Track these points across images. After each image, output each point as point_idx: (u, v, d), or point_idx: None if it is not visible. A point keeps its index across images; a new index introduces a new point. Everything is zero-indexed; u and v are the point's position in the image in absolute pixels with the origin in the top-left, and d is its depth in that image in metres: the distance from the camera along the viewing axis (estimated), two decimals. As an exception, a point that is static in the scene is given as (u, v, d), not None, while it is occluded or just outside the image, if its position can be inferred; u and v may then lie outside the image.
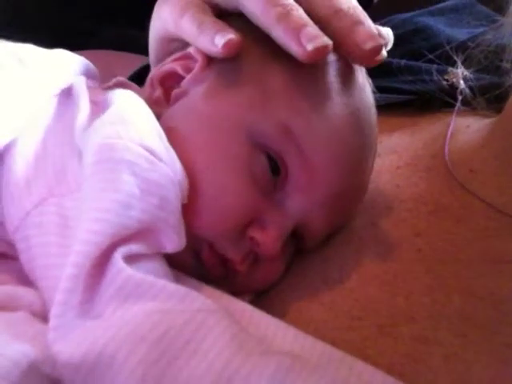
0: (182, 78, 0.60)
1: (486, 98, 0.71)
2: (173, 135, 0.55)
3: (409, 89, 0.74)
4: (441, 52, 0.74)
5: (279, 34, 0.55)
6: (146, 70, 0.71)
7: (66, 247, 0.48)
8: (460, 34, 0.79)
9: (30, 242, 0.50)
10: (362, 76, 0.61)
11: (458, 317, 0.54)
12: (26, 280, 0.51)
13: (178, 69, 0.61)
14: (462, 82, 0.71)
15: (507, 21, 0.64)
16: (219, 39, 0.56)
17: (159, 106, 0.60)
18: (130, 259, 0.48)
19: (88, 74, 0.63)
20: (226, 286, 0.55)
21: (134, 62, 0.86)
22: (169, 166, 0.52)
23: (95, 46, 1.13)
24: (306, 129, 0.56)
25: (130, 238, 0.49)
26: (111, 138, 0.51)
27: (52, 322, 0.46)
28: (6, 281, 0.52)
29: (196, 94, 0.59)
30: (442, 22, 0.83)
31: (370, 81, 0.63)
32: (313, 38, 0.53)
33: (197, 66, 0.60)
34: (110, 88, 0.62)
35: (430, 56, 0.75)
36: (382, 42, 0.56)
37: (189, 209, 0.53)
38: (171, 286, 0.48)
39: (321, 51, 0.54)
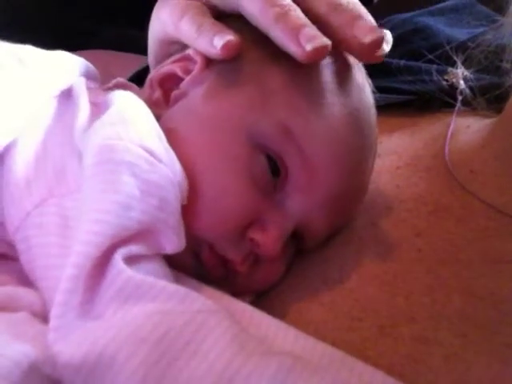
0: (181, 79, 0.61)
1: (486, 98, 0.71)
2: (172, 136, 0.55)
3: (408, 89, 0.74)
4: (441, 52, 0.74)
5: (278, 34, 0.55)
6: (145, 70, 0.71)
7: (66, 248, 0.48)
8: (460, 34, 0.79)
9: (31, 243, 0.51)
10: (361, 76, 0.61)
11: (458, 317, 0.54)
12: (26, 280, 0.51)
13: (177, 70, 0.61)
14: (461, 82, 0.71)
15: (507, 21, 0.64)
16: (218, 41, 0.56)
17: (159, 108, 0.60)
18: (130, 260, 0.48)
19: (88, 75, 0.63)
20: (227, 286, 0.55)
21: (133, 62, 0.86)
22: (168, 167, 0.52)
23: (95, 46, 1.12)
24: (305, 129, 0.56)
25: (129, 239, 0.49)
26: (111, 139, 0.51)
27: (52, 322, 0.46)
28: (6, 281, 0.52)
29: (195, 95, 0.59)
30: (441, 22, 0.83)
31: (370, 81, 0.63)
32: (311, 39, 0.53)
33: (196, 68, 0.60)
34: (110, 89, 0.62)
35: (430, 56, 0.75)
36: (382, 34, 0.56)
37: (189, 210, 0.53)
38: (171, 287, 0.48)
39: (320, 51, 0.54)
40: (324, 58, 0.55)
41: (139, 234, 0.49)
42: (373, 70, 0.60)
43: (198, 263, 0.56)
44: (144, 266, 0.49)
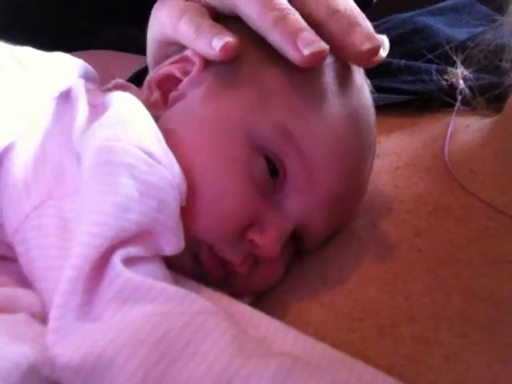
0: (180, 80, 0.60)
1: (486, 97, 0.71)
2: (171, 138, 0.55)
3: (408, 89, 0.74)
4: (440, 52, 0.74)
5: (276, 38, 0.55)
6: (145, 71, 0.71)
7: (65, 249, 0.48)
8: (459, 33, 0.79)
9: (29, 245, 0.51)
10: (360, 77, 0.61)
11: (458, 317, 0.54)
12: (25, 282, 0.51)
13: (175, 72, 0.61)
14: (461, 81, 0.71)
15: (507, 20, 0.64)
16: (217, 42, 0.56)
17: (157, 109, 0.60)
18: (129, 262, 0.48)
19: (87, 77, 0.62)
20: (226, 287, 0.55)
21: (133, 62, 0.86)
22: (167, 169, 0.52)
23: (95, 46, 1.13)
24: (304, 130, 0.56)
25: (128, 241, 0.49)
26: (110, 140, 0.51)
27: (51, 324, 0.46)
28: (5, 282, 0.52)
29: (194, 96, 0.59)
30: (441, 21, 0.83)
31: (369, 81, 0.63)
32: (309, 43, 0.53)
33: (194, 69, 0.60)
34: (109, 90, 0.62)
35: (430, 56, 0.75)
36: (380, 42, 0.56)
37: (188, 211, 0.53)
38: (170, 289, 0.48)
39: (317, 56, 0.54)
40: (322, 62, 0.55)
41: (138, 236, 0.49)
42: (372, 70, 0.60)
43: (197, 264, 0.56)
44: (143, 268, 0.49)
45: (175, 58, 0.62)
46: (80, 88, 0.58)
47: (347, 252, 0.61)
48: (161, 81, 0.62)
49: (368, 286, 0.58)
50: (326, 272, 0.60)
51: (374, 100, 0.62)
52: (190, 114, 0.58)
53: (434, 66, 0.75)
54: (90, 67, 0.64)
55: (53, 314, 0.46)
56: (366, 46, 0.55)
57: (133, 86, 0.65)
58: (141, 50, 0.70)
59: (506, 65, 0.66)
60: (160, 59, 0.64)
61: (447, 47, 0.73)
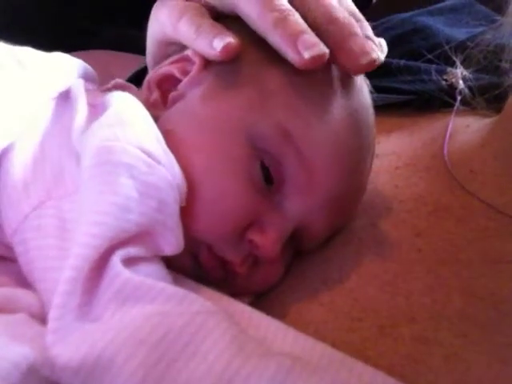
0: (179, 80, 0.60)
1: (486, 97, 0.70)
2: (171, 138, 0.55)
3: (408, 89, 0.74)
4: (440, 52, 0.73)
5: (276, 39, 0.55)
6: (144, 71, 0.71)
7: (64, 250, 0.48)
8: (459, 33, 0.79)
9: (29, 245, 0.51)
10: (359, 77, 0.61)
11: (458, 317, 0.54)
12: (24, 282, 0.51)
13: (174, 71, 0.61)
14: (461, 81, 0.71)
15: (506, 20, 0.64)
16: (218, 42, 0.56)
17: (156, 109, 0.59)
18: (129, 262, 0.48)
19: (86, 77, 0.62)
20: (226, 288, 0.55)
21: (133, 62, 0.86)
22: (167, 169, 0.52)
23: (95, 46, 1.13)
24: (304, 131, 0.56)
25: (128, 241, 0.49)
26: (109, 140, 0.51)
27: (50, 324, 0.46)
28: (4, 283, 0.52)
29: (193, 96, 0.59)
30: (441, 21, 0.83)
31: (368, 81, 0.63)
32: (310, 46, 0.53)
33: (194, 69, 0.59)
34: (109, 90, 0.62)
35: (429, 56, 0.75)
36: (376, 55, 0.56)
37: (187, 211, 0.53)
38: (170, 289, 0.48)
39: (317, 60, 0.54)
40: (322, 65, 0.55)
41: (137, 236, 0.49)
42: (372, 70, 0.60)
43: (196, 265, 0.56)
44: (142, 268, 0.49)
45: (175, 57, 0.62)
46: (79, 88, 0.58)
47: (347, 252, 0.61)
48: (160, 81, 0.62)
49: (368, 285, 0.58)
50: (325, 272, 0.60)
51: (374, 100, 0.62)
52: (190, 114, 0.58)
53: (434, 66, 0.74)
54: (89, 67, 0.64)
55: (52, 314, 0.46)
56: (362, 61, 0.55)
57: (132, 86, 0.65)
58: (141, 50, 0.70)
59: (505, 65, 0.66)
60: (160, 59, 0.64)
61: (447, 47, 0.73)
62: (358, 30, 0.56)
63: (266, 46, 0.56)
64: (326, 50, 0.54)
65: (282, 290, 0.59)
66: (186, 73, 0.60)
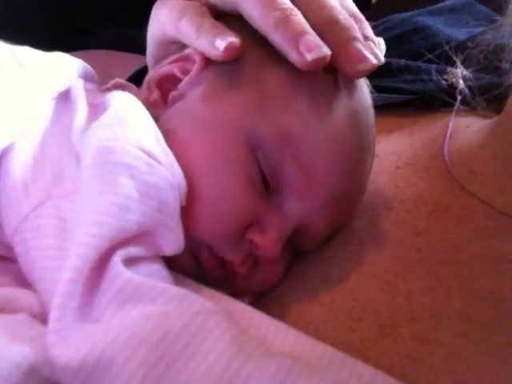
0: (180, 80, 0.60)
1: (486, 97, 0.71)
2: (171, 138, 0.55)
3: (408, 88, 0.73)
4: (440, 52, 0.73)
5: (277, 39, 0.55)
6: (144, 70, 0.71)
7: (64, 250, 0.48)
8: (459, 33, 0.79)
9: (29, 245, 0.51)
10: (359, 77, 0.61)
11: (458, 317, 0.54)
12: (24, 282, 0.51)
13: (175, 71, 0.61)
14: (461, 81, 0.71)
15: (506, 21, 0.64)
16: (220, 42, 0.56)
17: (157, 109, 0.59)
18: (129, 262, 0.48)
19: (86, 77, 0.62)
20: (226, 288, 0.55)
21: (133, 62, 0.86)
22: (167, 169, 0.52)
23: (95, 46, 1.13)
24: (304, 132, 0.55)
25: (128, 241, 0.49)
26: (109, 140, 0.51)
27: (51, 325, 0.46)
28: (4, 283, 0.52)
29: (194, 96, 0.59)
30: (441, 21, 0.83)
31: (368, 81, 0.63)
32: (312, 48, 0.53)
33: (194, 68, 0.59)
34: (109, 90, 0.62)
35: (430, 56, 0.75)
36: (375, 62, 0.56)
37: (187, 212, 0.53)
38: (170, 289, 0.48)
39: (319, 62, 0.54)
40: (324, 66, 0.55)
41: (138, 236, 0.49)
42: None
43: (197, 265, 0.56)
44: (143, 268, 0.49)
45: (175, 56, 0.62)
46: (79, 88, 0.58)
47: (347, 252, 0.61)
48: (160, 80, 0.61)
49: (368, 285, 0.58)
50: (325, 272, 0.60)
51: (374, 100, 0.62)
52: (190, 114, 0.58)
53: (434, 65, 0.74)
54: (89, 67, 0.64)
55: (52, 314, 0.46)
56: (360, 68, 0.55)
57: (132, 86, 0.65)
58: (141, 49, 0.70)
59: (505, 65, 0.66)
60: (160, 59, 0.64)
61: (447, 47, 0.73)
62: (359, 34, 0.56)
63: (267, 46, 0.56)
64: (328, 52, 0.54)
65: (281, 290, 0.59)
66: (186, 72, 0.60)
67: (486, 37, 0.70)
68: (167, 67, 0.62)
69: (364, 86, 0.61)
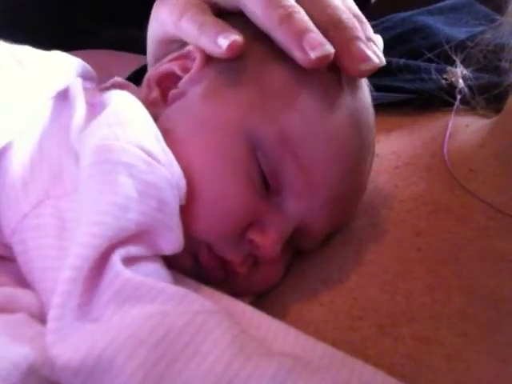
0: (180, 78, 0.60)
1: (485, 97, 0.71)
2: (170, 137, 0.55)
3: (408, 88, 0.74)
4: (440, 51, 0.74)
5: (280, 37, 0.54)
6: (144, 70, 0.71)
7: (63, 249, 0.48)
8: (459, 33, 0.79)
9: (27, 245, 0.50)
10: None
11: (458, 316, 0.54)
12: (24, 282, 0.51)
13: (175, 69, 0.60)
14: (460, 81, 0.71)
15: (506, 20, 0.64)
16: (223, 40, 0.56)
17: (156, 107, 0.59)
18: (129, 261, 0.48)
19: (85, 76, 0.62)
20: (226, 288, 0.54)
21: (133, 62, 0.86)
22: (166, 168, 0.52)
23: (95, 46, 1.12)
24: (304, 132, 0.55)
25: (128, 240, 0.49)
26: (108, 139, 0.51)
27: (50, 324, 0.46)
28: (4, 282, 0.52)
29: (194, 94, 0.59)
30: (440, 21, 0.83)
31: (367, 81, 0.63)
32: (316, 46, 0.53)
33: (194, 66, 0.59)
34: (107, 89, 0.61)
35: (429, 55, 0.75)
36: (378, 62, 0.56)
37: (187, 211, 0.53)
38: (170, 288, 0.48)
39: (322, 60, 0.54)
40: (327, 64, 0.55)
41: (137, 235, 0.49)
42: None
43: (196, 265, 0.56)
44: (142, 267, 0.49)
45: (175, 54, 0.61)
46: (78, 87, 0.58)
47: (347, 252, 0.61)
48: (161, 78, 0.61)
49: (368, 285, 0.58)
50: (325, 272, 0.60)
51: (373, 99, 0.62)
52: (190, 113, 0.58)
53: (434, 65, 0.74)
54: (88, 66, 0.64)
55: (52, 314, 0.46)
56: (363, 67, 0.55)
57: (131, 85, 0.64)
58: (141, 49, 0.70)
59: (505, 64, 0.66)
60: (161, 58, 0.64)
61: (446, 46, 0.73)
62: (362, 34, 0.56)
63: (269, 44, 0.56)
64: (332, 50, 0.54)
65: (282, 290, 0.59)
66: (186, 70, 0.60)
67: (485, 36, 0.70)
68: (167, 65, 0.61)
69: (364, 85, 0.61)
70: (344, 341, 0.54)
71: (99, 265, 0.47)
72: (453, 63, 0.73)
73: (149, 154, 0.51)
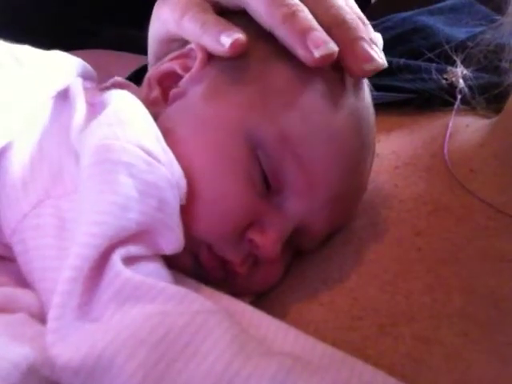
0: (181, 77, 0.60)
1: (486, 97, 0.71)
2: (170, 136, 0.55)
3: (408, 87, 0.73)
4: (440, 51, 0.74)
5: (284, 35, 0.54)
6: (144, 70, 0.71)
7: (63, 249, 0.48)
8: (459, 33, 0.79)
9: (27, 245, 0.50)
10: (360, 76, 0.61)
11: (458, 316, 0.54)
12: (24, 282, 0.51)
13: (176, 68, 0.60)
14: (461, 81, 0.71)
15: (506, 20, 0.64)
16: (225, 39, 0.55)
17: (157, 107, 0.59)
18: (129, 261, 0.48)
19: (85, 76, 0.62)
20: (226, 288, 0.54)
21: (133, 62, 0.86)
22: (167, 168, 0.52)
23: (95, 46, 1.12)
24: (305, 131, 0.55)
25: (128, 240, 0.49)
26: (108, 138, 0.51)
27: (50, 324, 0.46)
28: (4, 282, 0.52)
29: (194, 93, 0.58)
30: (441, 21, 0.83)
31: (367, 81, 0.63)
32: (319, 44, 0.53)
33: (195, 65, 0.59)
34: (108, 88, 0.61)
35: (430, 55, 0.75)
36: (381, 62, 0.56)
37: (187, 211, 0.53)
38: (170, 288, 0.48)
39: (326, 59, 0.54)
40: (331, 62, 0.55)
41: (137, 235, 0.49)
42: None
43: (196, 264, 0.56)
44: (142, 267, 0.49)
45: (176, 53, 0.61)
46: (78, 87, 0.58)
47: (347, 251, 0.61)
48: (161, 77, 0.61)
49: (368, 285, 0.58)
50: (325, 271, 0.60)
51: (374, 98, 0.62)
52: (190, 112, 0.58)
53: (434, 65, 0.74)
54: (88, 66, 0.64)
55: (52, 314, 0.46)
56: (366, 67, 0.55)
57: (131, 84, 0.64)
58: (141, 49, 0.70)
59: (505, 65, 0.66)
60: (162, 57, 0.63)
61: (447, 46, 0.73)
62: (365, 35, 0.56)
63: (272, 43, 0.56)
64: (336, 48, 0.54)
65: (282, 290, 0.59)
66: (187, 69, 0.59)
67: (485, 36, 0.70)
68: (168, 64, 0.61)
69: (364, 85, 0.61)
70: (344, 341, 0.54)
71: (99, 265, 0.47)
72: (453, 63, 0.73)
73: (149, 153, 0.51)
